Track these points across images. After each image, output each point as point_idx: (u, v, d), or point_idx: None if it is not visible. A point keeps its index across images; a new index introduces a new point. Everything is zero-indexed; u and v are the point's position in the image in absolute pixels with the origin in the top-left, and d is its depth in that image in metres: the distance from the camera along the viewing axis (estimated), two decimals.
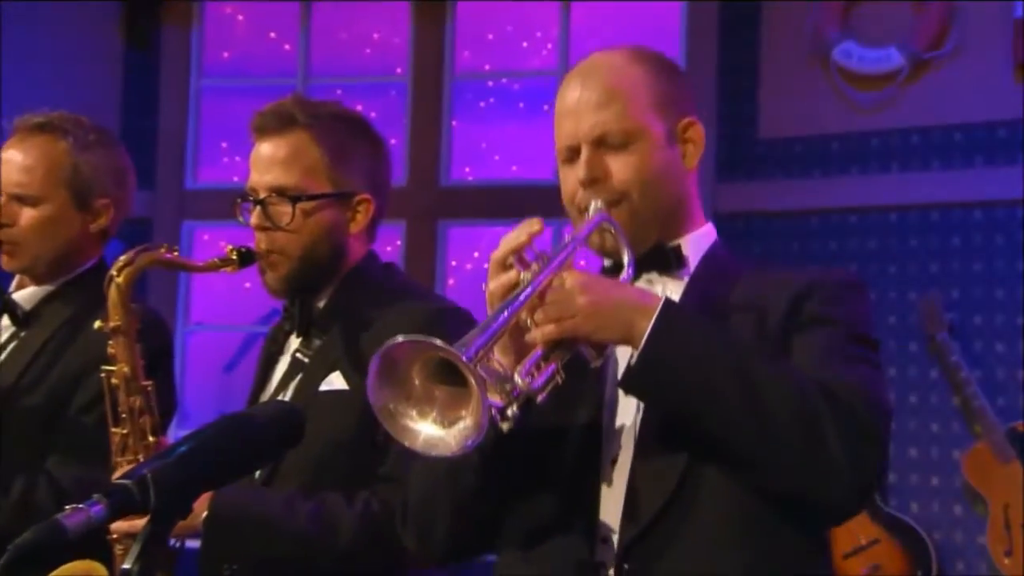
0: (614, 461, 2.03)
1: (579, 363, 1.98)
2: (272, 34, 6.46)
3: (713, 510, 1.97)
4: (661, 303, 1.94)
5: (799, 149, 5.71)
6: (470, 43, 6.26)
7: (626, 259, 2.07)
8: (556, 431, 2.05)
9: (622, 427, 2.05)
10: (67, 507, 1.49)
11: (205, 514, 2.41)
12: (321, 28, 6.39)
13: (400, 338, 1.81)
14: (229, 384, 6.01)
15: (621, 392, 2.03)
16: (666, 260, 2.15)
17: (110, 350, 2.55)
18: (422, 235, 6.12)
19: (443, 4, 6.23)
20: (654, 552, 1.97)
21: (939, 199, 5.47)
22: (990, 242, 5.39)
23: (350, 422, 2.49)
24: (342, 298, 2.62)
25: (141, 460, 2.48)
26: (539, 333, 1.92)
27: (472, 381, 1.77)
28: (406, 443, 1.85)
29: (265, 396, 2.65)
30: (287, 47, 6.42)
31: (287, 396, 2.57)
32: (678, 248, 2.16)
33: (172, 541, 2.46)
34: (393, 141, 6.01)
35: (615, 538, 1.99)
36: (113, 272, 2.53)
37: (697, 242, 2.19)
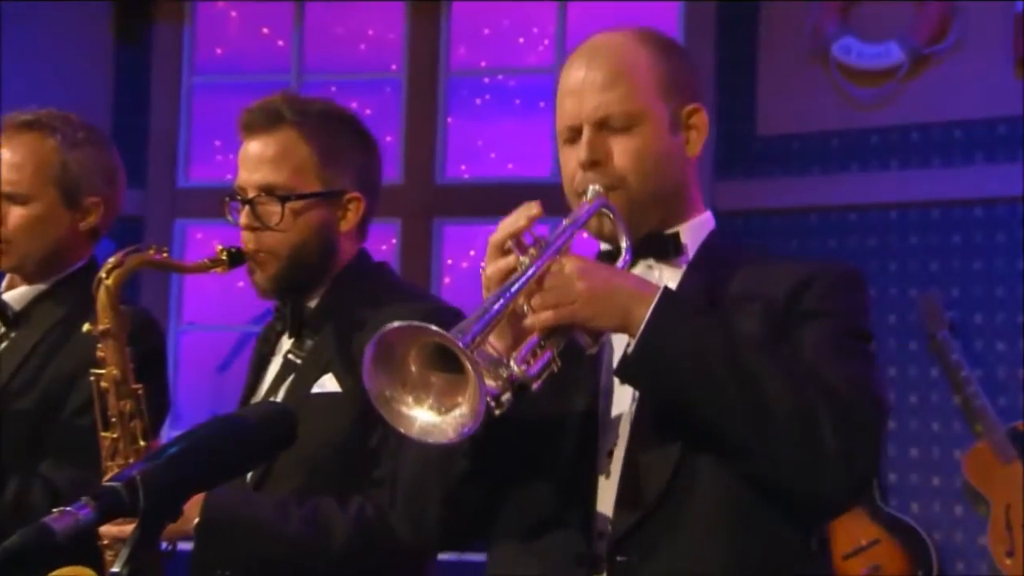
0: (611, 452, 2.02)
1: (575, 350, 1.96)
2: (265, 30, 6.45)
3: (707, 502, 1.96)
4: (659, 292, 1.93)
5: (798, 146, 5.71)
6: (466, 39, 6.25)
7: (624, 245, 2.06)
8: (552, 420, 2.04)
9: (619, 417, 2.04)
10: (54, 511, 1.47)
11: (197, 520, 2.40)
12: (315, 24, 6.38)
13: (396, 323, 1.80)
14: (222, 385, 5.99)
15: (617, 381, 2.01)
16: (664, 247, 2.13)
17: (99, 353, 2.53)
18: (417, 233, 6.11)
19: (439, 0, 6.22)
20: (648, 544, 1.96)
21: (939, 196, 5.47)
22: (991, 240, 5.39)
23: (343, 425, 2.48)
24: (334, 298, 2.61)
25: (131, 464, 2.40)
26: (536, 319, 1.91)
27: (469, 368, 1.76)
28: (402, 430, 1.84)
29: (257, 398, 2.63)
30: (280, 43, 6.42)
31: (279, 398, 2.56)
32: (676, 235, 2.14)
33: (164, 545, 2.44)
34: (388, 138, 6.06)
35: (611, 530, 1.99)
36: (102, 274, 2.51)
37: (696, 230, 2.17)
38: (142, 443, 2.52)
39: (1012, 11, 5.32)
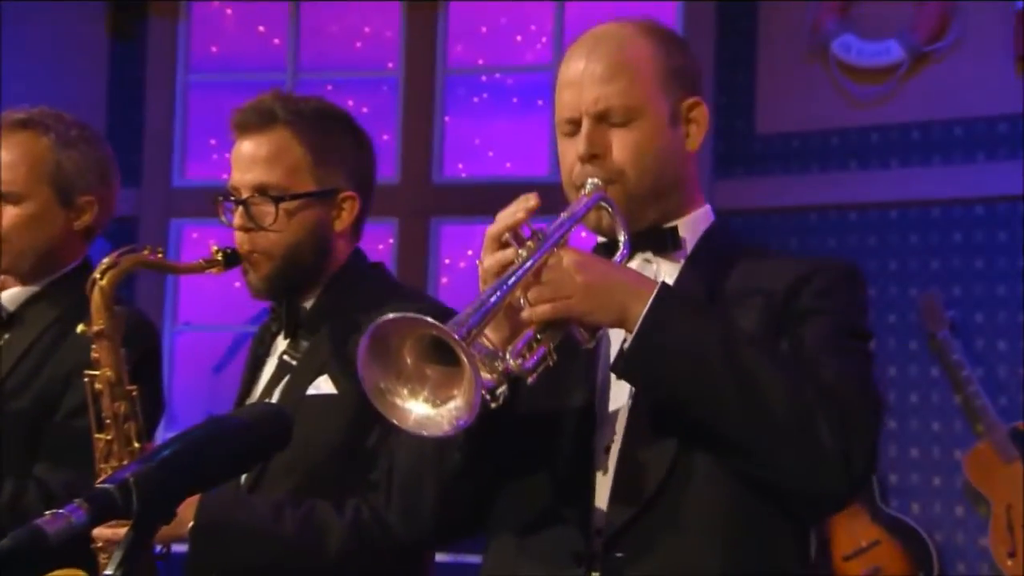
0: (608, 449, 2.01)
1: (571, 345, 1.96)
2: (261, 28, 6.43)
3: (703, 499, 1.96)
4: (657, 287, 1.93)
5: (797, 144, 5.69)
6: (463, 37, 6.24)
7: (622, 239, 2.05)
8: (548, 415, 2.04)
9: (616, 412, 2.03)
10: (47, 513, 1.45)
11: (192, 524, 2.39)
12: (311, 22, 6.36)
13: (392, 314, 1.79)
14: (218, 385, 5.99)
15: (614, 376, 2.00)
16: (662, 241, 2.13)
17: (94, 354, 2.52)
18: (415, 233, 6.10)
19: None
20: (642, 541, 1.95)
21: (940, 195, 5.46)
22: (992, 238, 5.38)
23: (338, 427, 2.47)
24: (329, 299, 2.60)
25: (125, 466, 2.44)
26: (533, 312, 1.90)
27: (465, 360, 1.76)
28: (396, 422, 1.83)
29: (252, 399, 2.62)
30: (276, 41, 6.39)
31: (274, 399, 2.55)
32: (674, 229, 2.14)
33: (158, 548, 2.44)
34: (385, 137, 6.05)
35: (606, 527, 1.98)
36: (96, 275, 2.50)
37: (694, 224, 2.16)
38: (136, 445, 2.51)
39: (1012, 9, 5.31)
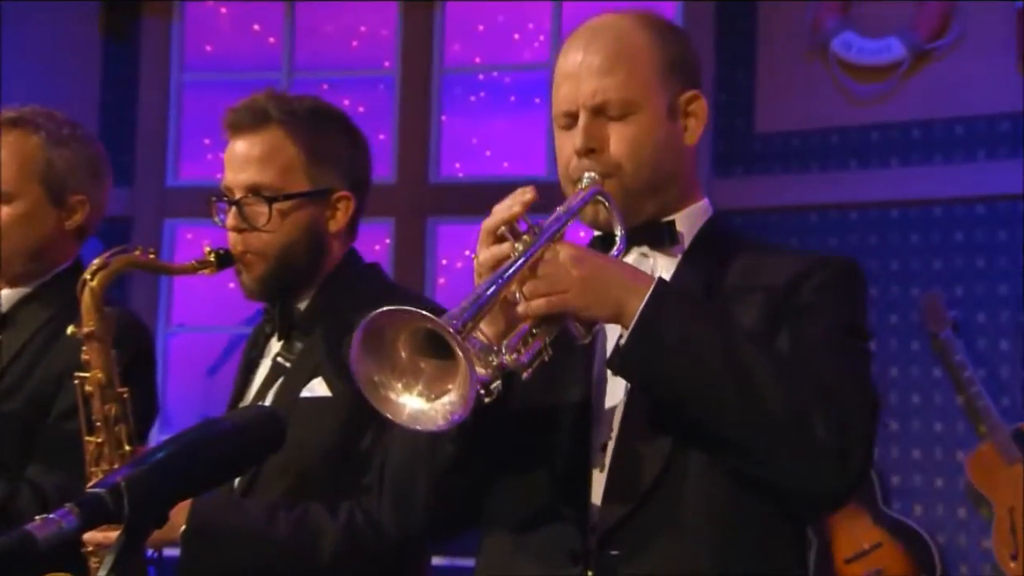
0: (604, 446, 2.01)
1: (567, 340, 1.95)
2: (256, 27, 6.42)
3: (698, 497, 1.95)
4: (654, 283, 1.92)
5: (797, 143, 5.69)
6: (460, 36, 6.23)
7: (618, 233, 2.04)
8: (544, 411, 2.03)
9: (612, 409, 2.02)
10: (37, 517, 1.44)
11: (184, 527, 2.39)
12: (306, 21, 6.36)
13: (386, 307, 1.79)
14: (213, 387, 5.97)
15: (610, 372, 2.00)
16: (659, 235, 2.12)
17: (84, 356, 2.52)
18: (411, 233, 6.09)
19: None
20: (636, 539, 1.94)
21: (941, 194, 5.46)
22: (993, 238, 5.37)
23: (332, 429, 2.46)
24: (324, 300, 2.59)
25: (116, 469, 2.41)
26: (528, 307, 1.89)
27: (460, 354, 1.75)
28: (390, 416, 1.83)
29: (245, 401, 2.62)
30: (271, 40, 6.39)
31: (267, 402, 2.54)
32: (672, 224, 2.12)
33: (150, 552, 2.44)
34: (381, 136, 6.05)
35: (600, 524, 1.98)
36: (87, 276, 2.50)
37: (691, 218, 2.15)
38: (127, 448, 2.50)
39: (1014, 7, 5.30)
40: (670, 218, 2.12)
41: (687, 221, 2.13)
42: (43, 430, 2.73)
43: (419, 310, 1.78)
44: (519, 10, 6.17)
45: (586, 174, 2.05)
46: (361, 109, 6.05)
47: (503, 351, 1.87)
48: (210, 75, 6.38)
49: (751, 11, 5.77)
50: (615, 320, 1.93)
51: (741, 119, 5.74)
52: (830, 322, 2.00)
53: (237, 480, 2.48)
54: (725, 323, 1.94)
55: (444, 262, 6.14)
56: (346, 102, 5.94)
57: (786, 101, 5.69)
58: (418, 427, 1.83)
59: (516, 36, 6.20)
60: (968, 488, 5.22)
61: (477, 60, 6.26)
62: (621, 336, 1.92)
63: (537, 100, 6.05)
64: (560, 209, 2.00)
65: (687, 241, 2.12)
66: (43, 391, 2.75)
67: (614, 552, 1.94)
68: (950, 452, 5.33)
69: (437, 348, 1.79)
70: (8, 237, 2.83)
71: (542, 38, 6.16)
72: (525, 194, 1.93)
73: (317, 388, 2.50)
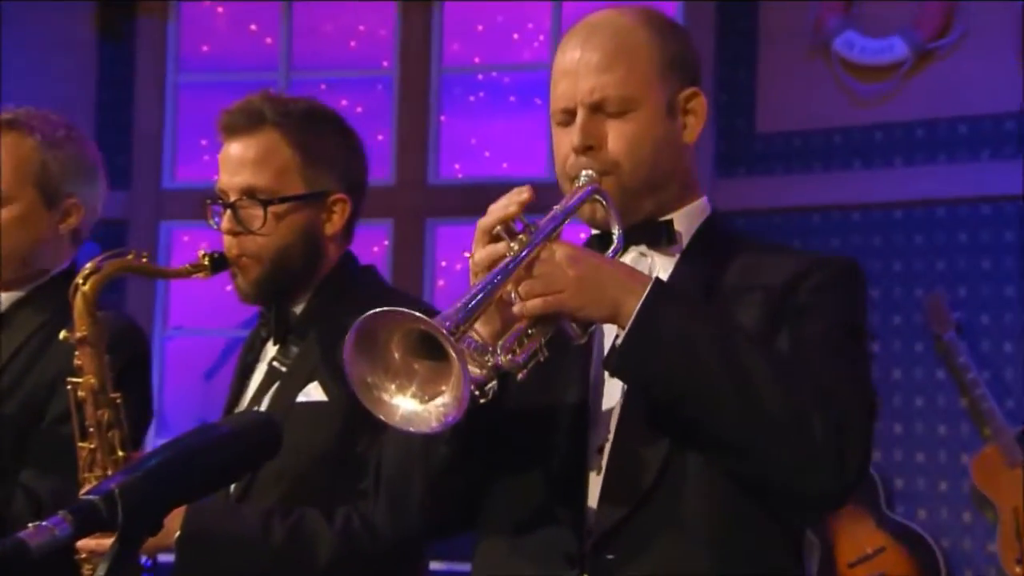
0: (601, 448, 2.00)
1: (563, 340, 1.95)
2: (253, 27, 6.41)
3: (696, 499, 1.95)
4: (651, 283, 1.92)
5: (799, 143, 5.68)
6: (459, 35, 6.23)
7: (615, 232, 2.03)
8: (540, 412, 2.03)
9: (609, 410, 2.02)
10: (30, 525, 1.44)
11: (178, 533, 2.38)
12: (304, 20, 6.36)
13: (379, 309, 1.79)
14: (210, 391, 5.96)
15: (607, 373, 2.00)
16: (657, 234, 2.11)
17: (77, 361, 2.52)
18: (410, 235, 6.09)
19: None
20: (632, 542, 1.94)
21: (945, 194, 5.44)
22: (998, 238, 5.36)
23: (329, 435, 2.47)
24: (319, 304, 2.59)
25: (109, 476, 2.43)
26: (524, 307, 1.89)
27: (453, 355, 1.75)
28: (383, 417, 1.82)
29: (240, 406, 2.62)
30: (268, 40, 6.39)
31: (263, 406, 2.54)
32: (670, 223, 2.12)
33: (146, 560, 2.45)
34: (379, 137, 6.05)
35: (595, 527, 1.98)
36: (79, 280, 2.50)
37: (690, 217, 2.14)
38: (121, 453, 2.50)
39: (1017, 4, 5.29)
40: (668, 217, 2.12)
41: (685, 220, 2.13)
42: (37, 434, 2.72)
43: (411, 311, 1.78)
44: (518, 10, 6.17)
45: (583, 172, 2.05)
46: (359, 109, 6.05)
47: (498, 351, 1.87)
48: (207, 75, 6.38)
49: (752, 11, 5.77)
50: (611, 320, 1.92)
51: (742, 119, 5.74)
52: (829, 322, 1.99)
53: (233, 486, 2.48)
54: (723, 323, 1.94)
55: (443, 264, 6.14)
56: (344, 102, 5.96)
57: (788, 101, 5.68)
58: (411, 428, 1.82)
59: (515, 36, 6.20)
60: (973, 491, 5.22)
61: (476, 60, 6.26)
62: (618, 336, 1.92)
63: (537, 100, 6.05)
64: (557, 208, 1.99)
65: (685, 240, 2.11)
66: (37, 395, 2.74)
67: (610, 556, 1.93)
68: (954, 455, 5.32)
69: (431, 349, 1.79)
70: (3, 240, 2.82)
71: (542, 38, 6.15)
72: (522, 194, 1.93)
73: (313, 392, 2.50)
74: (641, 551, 1.93)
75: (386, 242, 6.12)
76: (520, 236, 1.91)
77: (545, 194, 2.02)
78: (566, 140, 2.08)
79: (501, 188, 2.00)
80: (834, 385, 1.91)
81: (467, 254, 1.94)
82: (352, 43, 6.33)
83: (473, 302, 1.81)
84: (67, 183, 2.87)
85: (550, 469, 2.00)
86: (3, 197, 2.82)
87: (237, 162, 2.55)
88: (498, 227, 1.92)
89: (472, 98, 6.24)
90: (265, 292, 2.56)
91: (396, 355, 1.81)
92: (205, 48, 6.42)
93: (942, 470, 5.33)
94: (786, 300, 2.01)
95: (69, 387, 2.52)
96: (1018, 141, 5.30)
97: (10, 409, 2.74)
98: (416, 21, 6.18)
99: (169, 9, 6.34)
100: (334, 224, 2.58)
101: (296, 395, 2.50)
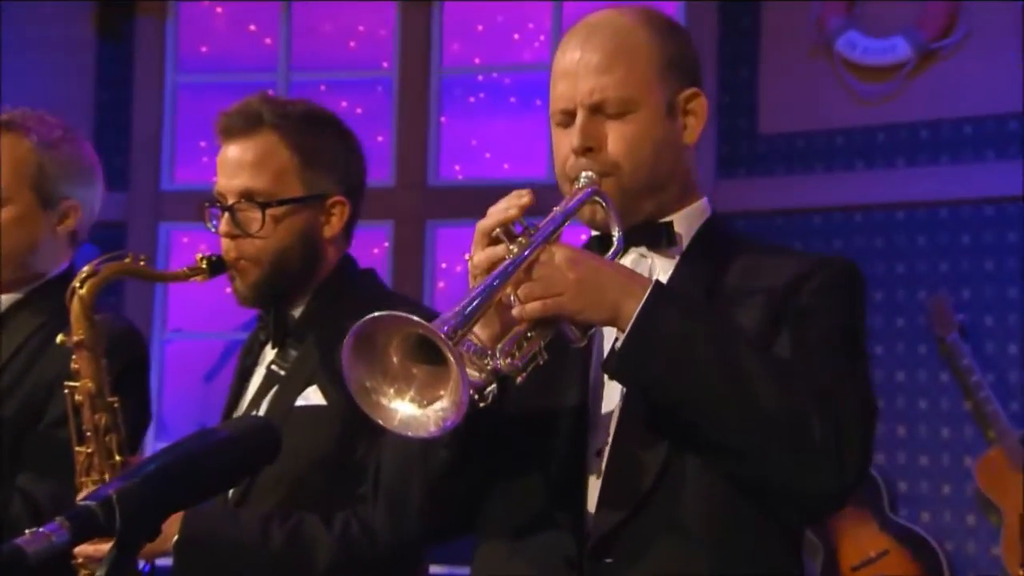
0: (600, 452, 2.00)
1: (563, 343, 1.95)
2: (252, 27, 6.41)
3: (695, 503, 1.95)
4: (650, 286, 1.91)
5: (801, 144, 5.68)
6: (459, 36, 6.23)
7: (615, 234, 2.02)
8: (540, 415, 2.02)
9: (609, 414, 2.02)
10: (27, 531, 1.44)
11: (176, 537, 2.38)
12: (303, 21, 6.36)
13: (377, 313, 1.78)
14: (209, 394, 5.96)
15: (606, 376, 1.99)
16: (657, 236, 2.10)
17: (73, 365, 2.52)
18: (410, 236, 6.09)
19: None
20: (631, 546, 1.94)
21: (948, 195, 5.44)
22: (1002, 239, 5.36)
23: (328, 439, 2.46)
24: (318, 307, 2.59)
25: (107, 480, 2.49)
26: (523, 310, 1.89)
27: (451, 359, 1.75)
28: (381, 422, 1.83)
29: (239, 410, 2.62)
30: (268, 41, 6.38)
31: (261, 410, 2.56)
32: (670, 225, 2.11)
33: (144, 565, 2.45)
34: (379, 138, 6.05)
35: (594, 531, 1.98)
36: (76, 284, 2.50)
37: (690, 219, 2.14)
38: (118, 458, 2.50)
39: (1020, 4, 5.29)
40: (668, 218, 2.11)
41: (685, 221, 2.12)
42: (34, 437, 2.72)
43: (409, 315, 1.77)
44: (519, 10, 6.17)
45: (583, 173, 2.04)
46: (359, 110, 6.06)
47: (497, 355, 1.86)
48: (206, 76, 6.38)
49: (754, 10, 5.77)
50: (611, 323, 1.92)
51: (744, 120, 5.74)
52: (829, 324, 1.99)
53: (231, 490, 2.47)
54: (722, 325, 1.94)
55: (443, 266, 6.13)
56: (344, 103, 5.96)
57: (790, 102, 5.68)
58: (410, 433, 1.82)
59: (516, 36, 6.20)
60: (977, 494, 5.22)
61: (476, 61, 6.26)
62: (617, 339, 1.91)
63: (538, 101, 6.05)
64: (556, 210, 1.98)
65: (685, 242, 2.11)
66: (36, 396, 2.73)
67: (608, 560, 1.93)
68: (958, 458, 5.32)
69: (429, 353, 1.79)
70: (0, 242, 2.80)
71: (542, 38, 6.15)
72: (522, 197, 1.92)
73: (312, 396, 2.49)
74: (640, 554, 1.93)
75: (386, 244, 6.12)
76: (519, 239, 1.90)
77: (546, 196, 2.01)
78: (566, 141, 2.07)
79: (502, 190, 2.00)
80: (833, 386, 1.91)
81: (467, 256, 1.94)
82: (352, 44, 6.33)
83: (472, 306, 1.80)
84: (64, 185, 2.86)
85: (549, 472, 2.00)
86: (1, 199, 2.80)
87: (235, 165, 2.55)
88: (497, 229, 1.91)
89: (472, 99, 6.24)
90: (263, 295, 2.55)
91: (395, 359, 1.81)
92: (204, 49, 6.42)
93: (946, 473, 5.33)
94: (788, 302, 2.00)
95: (66, 391, 2.51)
96: (1022, 142, 5.29)
97: (9, 411, 2.73)
98: (416, 21, 6.18)
99: (168, 9, 6.34)
100: (333, 227, 2.57)
101: (295, 399, 2.50)
